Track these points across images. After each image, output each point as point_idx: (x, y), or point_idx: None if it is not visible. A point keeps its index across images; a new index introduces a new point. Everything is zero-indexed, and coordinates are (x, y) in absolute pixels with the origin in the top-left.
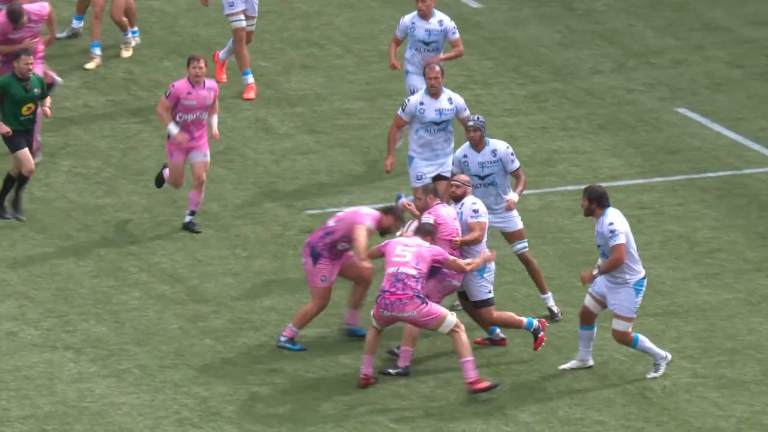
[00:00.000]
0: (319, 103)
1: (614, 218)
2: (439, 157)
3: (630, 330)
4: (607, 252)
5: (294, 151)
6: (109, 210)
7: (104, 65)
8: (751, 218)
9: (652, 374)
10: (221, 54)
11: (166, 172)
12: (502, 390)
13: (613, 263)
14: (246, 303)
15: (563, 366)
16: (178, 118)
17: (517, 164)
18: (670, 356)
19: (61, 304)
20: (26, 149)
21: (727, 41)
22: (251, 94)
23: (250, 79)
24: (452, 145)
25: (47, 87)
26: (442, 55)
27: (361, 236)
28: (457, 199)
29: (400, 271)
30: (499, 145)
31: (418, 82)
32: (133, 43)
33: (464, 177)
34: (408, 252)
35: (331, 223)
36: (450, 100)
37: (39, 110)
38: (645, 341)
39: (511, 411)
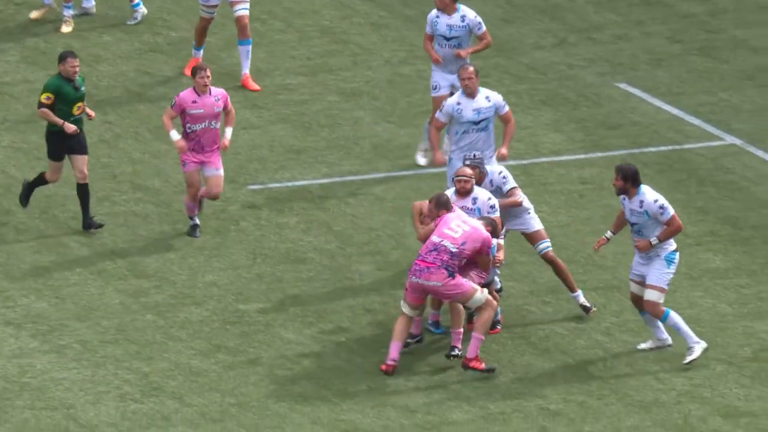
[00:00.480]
0: (260, 78)
1: (655, 194)
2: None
3: (662, 302)
4: (644, 230)
5: (235, 126)
6: (49, 185)
7: (44, 40)
8: (690, 193)
9: (688, 358)
10: (243, 70)
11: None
12: (445, 363)
13: (674, 232)
14: (187, 278)
15: (641, 346)
16: (187, 129)
17: (509, 186)
18: (705, 344)
19: (1, 279)
20: (62, 163)
21: (667, 16)
22: (188, 70)
23: (199, 55)
24: (493, 147)
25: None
26: (470, 48)
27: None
28: (467, 193)
29: (442, 243)
30: (494, 174)
31: (440, 78)
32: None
33: (468, 170)
34: (461, 229)
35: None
36: (488, 98)
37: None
38: (677, 319)
39: (454, 385)
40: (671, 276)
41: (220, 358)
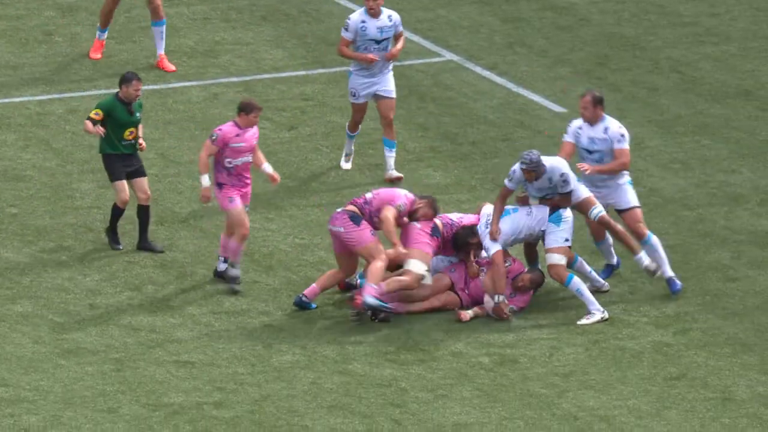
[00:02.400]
0: None
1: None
2: (599, 188)
3: (564, 263)
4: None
5: None
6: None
7: None
8: (411, 109)
9: (584, 321)
10: (158, 51)
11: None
12: (166, 280)
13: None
14: None
15: (582, 321)
16: (227, 164)
17: (569, 188)
18: (606, 315)
19: None
20: (124, 181)
21: None
22: (98, 55)
23: (103, 37)
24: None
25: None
26: (394, 50)
27: (389, 216)
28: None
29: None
30: (555, 173)
31: (359, 85)
32: None
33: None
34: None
35: (368, 195)
36: (606, 130)
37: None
38: (581, 284)
39: (177, 304)
40: (567, 233)
41: None
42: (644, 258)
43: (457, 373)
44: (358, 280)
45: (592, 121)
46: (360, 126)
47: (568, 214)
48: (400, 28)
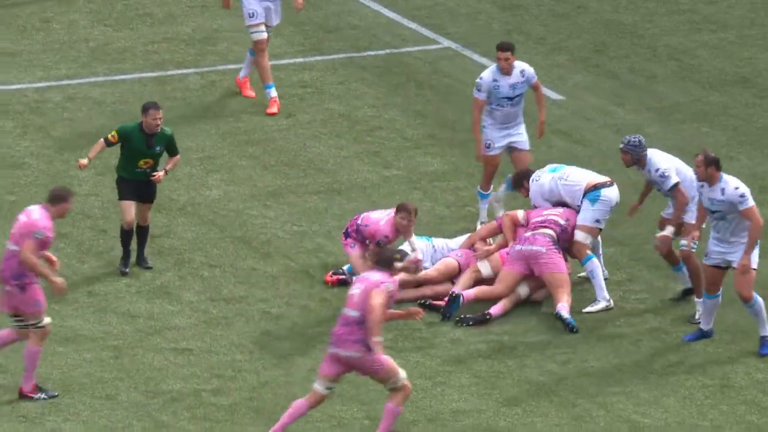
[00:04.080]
0: None
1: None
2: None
3: (588, 243)
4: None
5: None
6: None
7: None
8: (409, 96)
9: (589, 308)
10: (241, 73)
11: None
12: (164, 267)
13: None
14: None
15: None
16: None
17: (669, 183)
18: (612, 304)
19: None
20: (131, 201)
21: None
22: (274, 108)
23: (274, 92)
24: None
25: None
26: (542, 115)
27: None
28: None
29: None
30: (651, 164)
31: (495, 135)
32: None
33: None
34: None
35: (562, 222)
36: (722, 191)
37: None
38: (596, 267)
39: (175, 291)
40: (600, 214)
41: None
42: (701, 307)
43: (455, 360)
44: (351, 276)
45: (708, 181)
46: (492, 184)
47: (607, 196)
48: (535, 79)
